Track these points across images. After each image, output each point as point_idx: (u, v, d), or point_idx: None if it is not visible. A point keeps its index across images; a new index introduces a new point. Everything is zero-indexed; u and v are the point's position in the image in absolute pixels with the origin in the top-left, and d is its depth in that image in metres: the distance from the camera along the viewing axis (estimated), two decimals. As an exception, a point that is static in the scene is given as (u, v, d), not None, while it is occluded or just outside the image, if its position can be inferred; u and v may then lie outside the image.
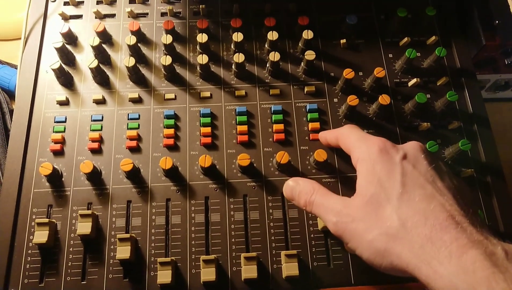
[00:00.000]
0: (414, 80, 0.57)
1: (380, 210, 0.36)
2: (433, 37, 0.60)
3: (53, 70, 0.55)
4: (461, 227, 0.33)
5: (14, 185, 0.51)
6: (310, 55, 0.56)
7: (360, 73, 0.59)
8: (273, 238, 0.50)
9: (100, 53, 0.58)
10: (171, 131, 0.55)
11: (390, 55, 0.61)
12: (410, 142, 0.41)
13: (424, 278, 0.33)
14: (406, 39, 0.60)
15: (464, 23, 0.63)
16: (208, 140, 0.54)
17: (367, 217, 0.36)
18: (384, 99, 0.54)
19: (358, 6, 0.63)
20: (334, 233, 0.39)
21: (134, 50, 0.58)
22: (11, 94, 0.70)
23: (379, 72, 0.55)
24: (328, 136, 0.50)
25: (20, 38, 0.77)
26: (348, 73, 0.55)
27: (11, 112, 0.66)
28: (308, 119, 0.56)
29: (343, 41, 0.60)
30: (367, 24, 0.62)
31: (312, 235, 0.50)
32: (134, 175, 0.52)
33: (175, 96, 0.57)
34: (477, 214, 0.36)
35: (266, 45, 0.59)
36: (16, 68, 0.72)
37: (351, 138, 0.44)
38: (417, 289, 0.48)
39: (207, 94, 0.57)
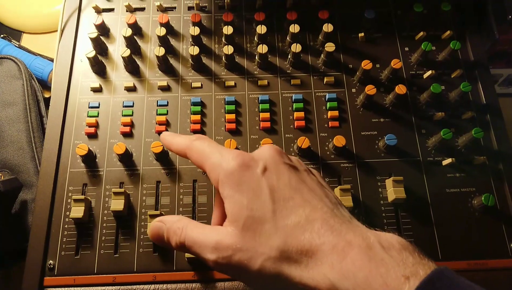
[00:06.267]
0: (429, 72, 0.60)
1: (258, 234, 0.33)
2: (448, 32, 0.62)
3: (88, 58, 0.59)
4: (336, 229, 0.32)
5: (52, 165, 0.55)
6: (330, 47, 0.59)
7: (377, 65, 0.62)
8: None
9: (132, 44, 0.61)
10: (197, 117, 0.58)
11: (406, 49, 0.63)
12: (266, 149, 0.37)
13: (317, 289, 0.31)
14: (422, 33, 0.62)
15: (478, 17, 0.66)
16: (233, 126, 0.57)
17: (248, 245, 0.33)
18: (400, 88, 0.57)
19: (376, 1, 0.66)
20: (219, 271, 0.36)
21: (164, 41, 0.61)
22: (43, 84, 0.74)
23: (396, 63, 0.58)
24: (175, 142, 0.41)
25: (51, 32, 0.82)
26: (366, 64, 0.58)
27: (45, 100, 0.70)
28: (327, 108, 0.59)
29: (361, 34, 0.63)
30: (384, 18, 0.65)
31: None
32: (163, 157, 0.56)
33: (202, 84, 0.61)
34: (342, 204, 0.36)
35: (288, 38, 0.62)
36: (48, 60, 0.76)
37: (204, 154, 0.37)
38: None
39: (232, 83, 0.61)
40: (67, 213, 0.53)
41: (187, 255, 0.49)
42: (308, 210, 0.33)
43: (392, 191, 0.53)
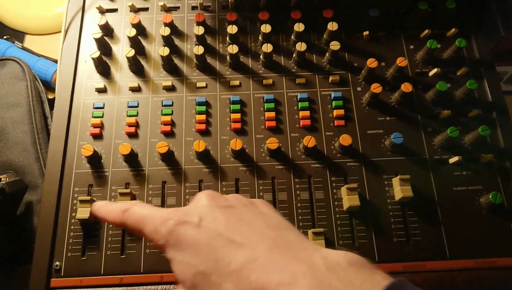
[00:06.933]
0: (435, 70, 0.60)
1: (207, 288, 0.32)
2: (453, 29, 0.62)
3: (93, 59, 0.59)
4: (279, 262, 0.31)
5: (57, 166, 0.55)
6: (335, 45, 0.59)
7: (383, 64, 0.62)
8: (300, 217, 0.53)
9: (136, 44, 0.61)
10: (203, 117, 0.58)
11: (411, 47, 0.63)
12: (198, 198, 0.37)
13: None
14: (426, 31, 0.62)
15: (483, 15, 0.65)
16: (238, 125, 0.57)
17: None
18: (406, 87, 0.57)
19: (380, 0, 0.65)
20: None
21: (168, 41, 0.61)
22: (47, 85, 0.74)
23: (401, 61, 0.58)
24: (110, 210, 0.39)
25: (54, 33, 0.82)
26: (371, 63, 0.58)
27: (48, 101, 0.70)
28: (333, 107, 0.59)
29: (366, 33, 0.63)
30: (389, 16, 0.65)
31: (337, 215, 0.53)
32: (169, 158, 0.55)
33: (206, 84, 0.60)
34: (288, 227, 0.36)
35: (292, 37, 0.62)
36: (51, 61, 0.76)
37: (139, 222, 0.37)
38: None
39: (236, 82, 0.60)
40: (73, 214, 0.53)
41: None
42: (251, 248, 0.32)
43: (399, 189, 0.52)
